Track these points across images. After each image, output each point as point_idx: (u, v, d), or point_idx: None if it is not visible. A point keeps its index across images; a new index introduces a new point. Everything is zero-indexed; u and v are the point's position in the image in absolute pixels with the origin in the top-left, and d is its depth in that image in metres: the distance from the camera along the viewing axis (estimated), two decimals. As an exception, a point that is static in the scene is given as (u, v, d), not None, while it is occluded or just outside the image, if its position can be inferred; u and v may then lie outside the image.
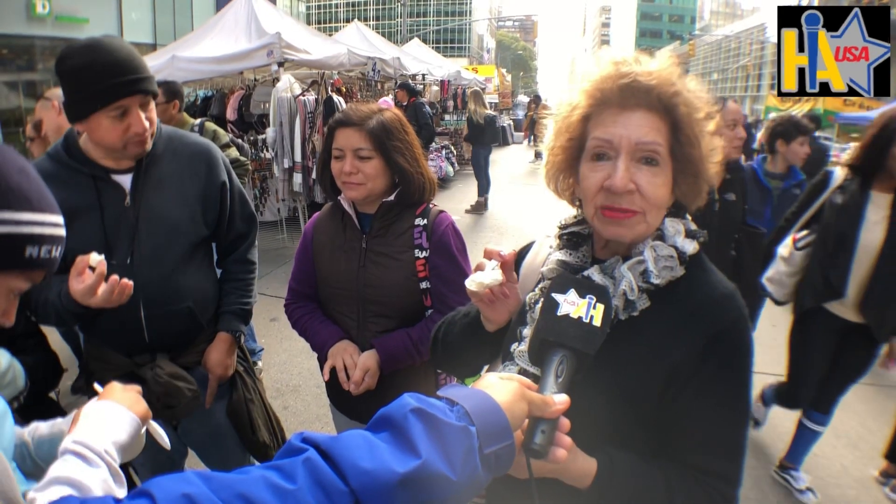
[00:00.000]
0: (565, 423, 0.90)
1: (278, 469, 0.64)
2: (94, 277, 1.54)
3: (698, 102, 1.06)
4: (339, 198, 1.92)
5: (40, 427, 1.24)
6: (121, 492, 1.03)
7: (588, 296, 0.98)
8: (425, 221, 1.89)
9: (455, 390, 0.80)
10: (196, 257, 1.93)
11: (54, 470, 0.98)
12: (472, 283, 1.15)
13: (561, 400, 0.88)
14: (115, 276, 1.57)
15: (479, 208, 10.74)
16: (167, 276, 1.82)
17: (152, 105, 1.74)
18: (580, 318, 0.95)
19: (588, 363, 0.95)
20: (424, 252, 1.86)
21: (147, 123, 1.69)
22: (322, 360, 1.95)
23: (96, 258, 1.56)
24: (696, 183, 1.09)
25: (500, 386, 0.83)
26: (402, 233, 1.89)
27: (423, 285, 1.87)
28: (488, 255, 1.17)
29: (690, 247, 1.08)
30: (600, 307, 0.97)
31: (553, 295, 0.98)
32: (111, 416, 1.14)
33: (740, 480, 1.07)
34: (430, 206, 1.95)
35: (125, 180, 1.78)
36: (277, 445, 2.23)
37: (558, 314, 0.96)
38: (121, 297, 1.60)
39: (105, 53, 1.60)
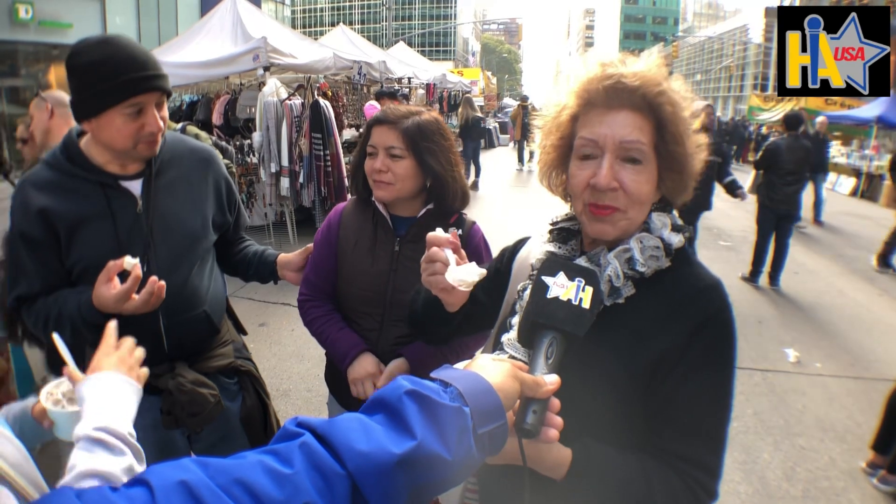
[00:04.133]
0: (556, 403, 0.91)
1: (274, 453, 0.64)
2: (129, 281, 1.49)
3: (683, 101, 1.10)
4: (372, 198, 1.88)
5: (12, 408, 1.26)
6: (142, 468, 1.03)
7: (577, 279, 0.99)
8: (461, 232, 1.85)
9: (448, 372, 0.80)
10: (207, 261, 1.90)
11: (81, 462, 0.99)
12: (461, 284, 1.15)
13: (552, 380, 0.89)
14: (153, 277, 1.52)
15: (472, 188, 12.33)
16: (184, 282, 1.78)
17: (166, 105, 1.69)
18: (569, 300, 0.97)
19: (577, 345, 0.97)
20: None
21: (161, 123, 1.63)
22: (339, 366, 1.89)
23: (131, 261, 1.51)
24: (681, 179, 1.13)
25: (493, 367, 0.84)
26: None
27: None
28: (436, 242, 1.19)
29: (676, 239, 1.11)
30: (589, 290, 0.98)
31: (542, 278, 1.00)
32: (120, 391, 1.13)
33: (720, 472, 1.08)
34: (463, 215, 1.92)
35: (134, 186, 1.72)
36: None
37: (548, 297, 0.98)
38: (157, 301, 1.55)
39: (121, 49, 1.55)
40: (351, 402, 1.98)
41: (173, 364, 1.81)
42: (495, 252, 1.54)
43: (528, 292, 1.18)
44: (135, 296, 1.51)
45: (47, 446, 1.50)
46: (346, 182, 7.35)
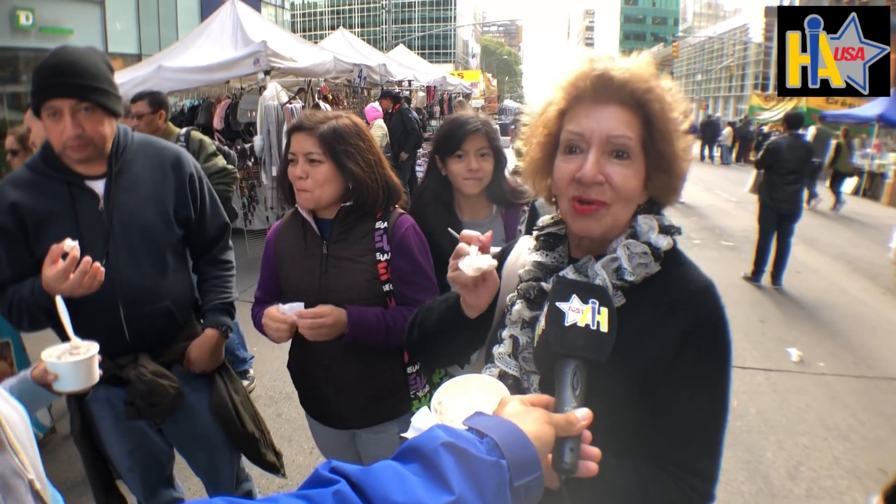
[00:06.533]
0: (587, 435, 0.89)
1: (308, 499, 0.62)
2: (67, 261, 1.57)
3: (672, 100, 1.08)
4: (297, 205, 1.90)
5: (7, 381, 1.38)
6: None
7: (591, 300, 0.96)
8: (386, 224, 1.89)
9: (482, 420, 0.79)
10: (173, 258, 1.97)
11: None
12: (469, 269, 1.11)
13: (583, 415, 0.87)
14: (87, 258, 1.60)
15: None
16: (144, 276, 1.86)
17: (102, 118, 1.75)
18: (587, 325, 0.94)
19: (599, 369, 0.94)
20: (386, 255, 1.87)
21: (77, 131, 1.69)
22: (261, 330, 1.92)
23: (70, 243, 1.59)
24: (669, 179, 1.10)
25: (527, 414, 0.82)
26: (363, 236, 1.89)
27: (386, 287, 1.86)
28: (467, 239, 1.15)
29: (664, 242, 1.08)
30: (604, 311, 0.95)
31: (557, 304, 0.96)
32: None
33: (717, 477, 1.06)
34: (391, 208, 1.94)
35: (98, 185, 1.83)
36: (264, 440, 2.23)
37: (566, 324, 0.94)
38: (92, 282, 1.62)
39: (59, 57, 1.66)
40: (328, 419, 2.04)
41: (136, 355, 1.89)
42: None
43: (516, 307, 1.16)
44: (71, 276, 1.59)
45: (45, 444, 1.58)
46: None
